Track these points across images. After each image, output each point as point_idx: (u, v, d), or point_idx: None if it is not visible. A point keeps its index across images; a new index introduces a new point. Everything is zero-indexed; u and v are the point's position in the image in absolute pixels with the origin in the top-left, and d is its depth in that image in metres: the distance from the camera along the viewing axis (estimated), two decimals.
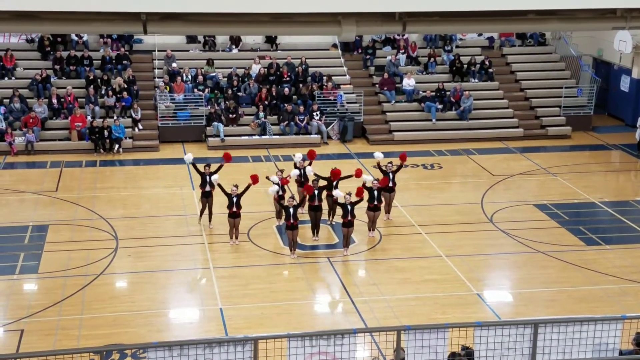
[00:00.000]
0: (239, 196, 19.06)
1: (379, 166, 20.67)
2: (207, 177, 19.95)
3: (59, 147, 26.77)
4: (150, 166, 25.80)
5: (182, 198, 22.38)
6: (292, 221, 18.41)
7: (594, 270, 18.23)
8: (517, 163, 26.47)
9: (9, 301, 16.55)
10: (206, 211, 20.08)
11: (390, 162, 20.79)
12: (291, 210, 18.43)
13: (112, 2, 8.31)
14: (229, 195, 19.06)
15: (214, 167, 20.28)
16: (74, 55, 29.39)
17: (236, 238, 19.19)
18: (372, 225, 19.80)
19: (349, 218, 18.57)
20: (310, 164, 20.68)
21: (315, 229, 19.63)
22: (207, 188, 19.94)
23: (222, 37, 31.15)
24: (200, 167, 20.29)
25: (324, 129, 28.42)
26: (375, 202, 19.54)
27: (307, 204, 19.87)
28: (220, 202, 19.72)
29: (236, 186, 19.21)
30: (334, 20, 9.13)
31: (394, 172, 20.63)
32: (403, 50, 31.55)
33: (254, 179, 19.33)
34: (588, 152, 28.19)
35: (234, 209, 19.01)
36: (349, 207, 18.54)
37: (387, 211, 20.71)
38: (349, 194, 18.64)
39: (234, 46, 31.24)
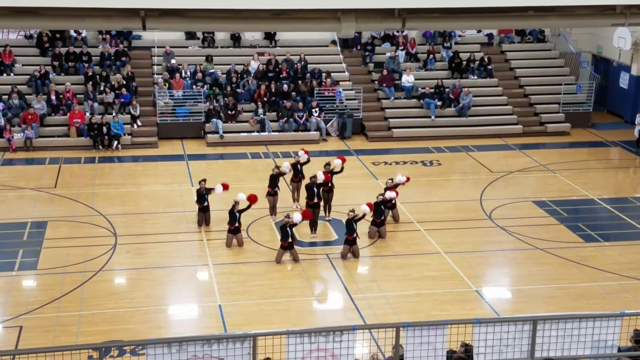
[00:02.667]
0: (240, 212, 18.90)
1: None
2: (204, 193, 19.77)
3: (57, 143, 26.74)
4: (149, 163, 25.79)
5: (181, 194, 22.37)
6: (290, 241, 18.15)
7: (593, 267, 18.24)
8: (516, 160, 26.47)
9: (8, 298, 16.54)
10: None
11: (391, 179, 20.64)
12: (289, 229, 18.08)
13: None
14: (230, 212, 18.86)
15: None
16: (72, 51, 29.36)
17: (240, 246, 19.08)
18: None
19: (354, 236, 18.36)
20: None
21: (313, 226, 19.64)
22: (205, 203, 19.87)
23: (222, 34, 31.15)
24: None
25: (323, 125, 28.41)
26: (382, 217, 19.46)
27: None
28: (219, 216, 19.73)
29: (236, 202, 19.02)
30: (333, 17, 9.13)
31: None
32: (402, 47, 31.53)
33: (253, 199, 19.16)
34: (587, 149, 28.19)
35: (236, 224, 18.86)
36: (354, 225, 18.36)
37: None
38: (352, 210, 18.52)
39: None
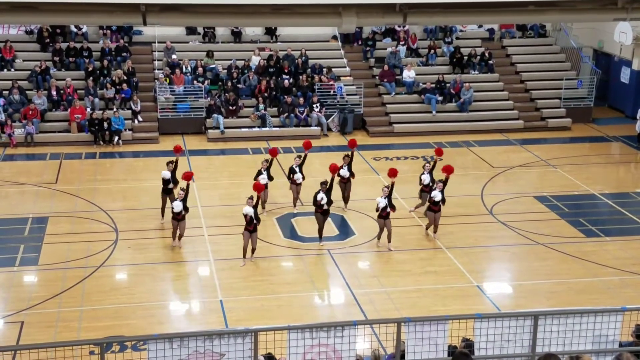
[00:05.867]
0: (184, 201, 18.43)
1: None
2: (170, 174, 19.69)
3: (58, 139, 26.74)
4: (150, 158, 25.76)
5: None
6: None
7: (594, 262, 18.24)
8: (517, 155, 26.45)
9: (9, 293, 16.57)
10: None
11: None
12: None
13: None
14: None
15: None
16: (73, 46, 29.34)
17: (179, 239, 18.70)
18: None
19: (387, 210, 18.43)
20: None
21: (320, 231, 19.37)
22: (170, 185, 19.84)
23: (222, 29, 31.12)
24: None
25: (324, 120, 28.38)
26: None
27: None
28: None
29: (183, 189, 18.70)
30: (334, 12, 9.11)
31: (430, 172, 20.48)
32: (403, 42, 31.48)
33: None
34: (588, 144, 28.17)
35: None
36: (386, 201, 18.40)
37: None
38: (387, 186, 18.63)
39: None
